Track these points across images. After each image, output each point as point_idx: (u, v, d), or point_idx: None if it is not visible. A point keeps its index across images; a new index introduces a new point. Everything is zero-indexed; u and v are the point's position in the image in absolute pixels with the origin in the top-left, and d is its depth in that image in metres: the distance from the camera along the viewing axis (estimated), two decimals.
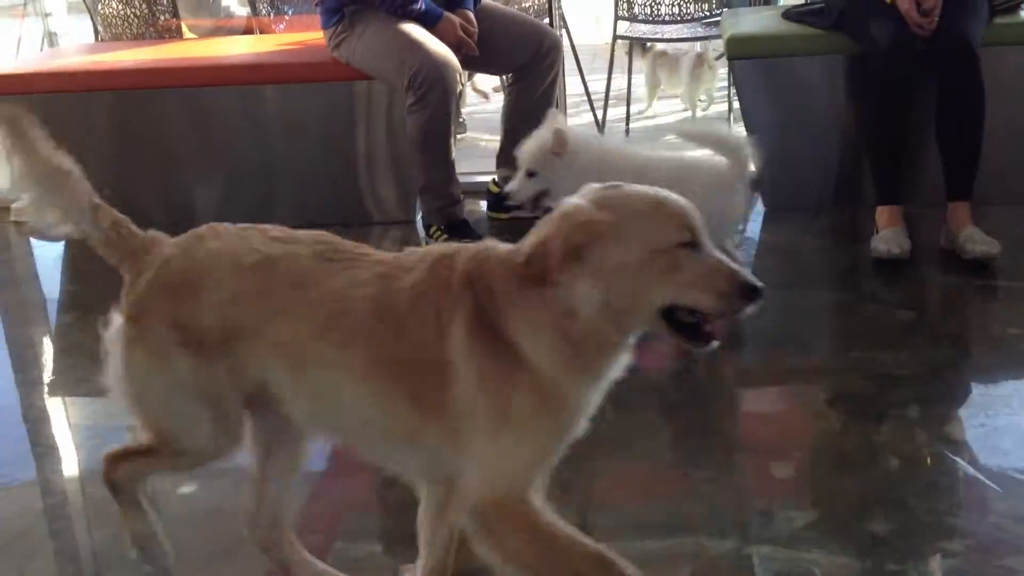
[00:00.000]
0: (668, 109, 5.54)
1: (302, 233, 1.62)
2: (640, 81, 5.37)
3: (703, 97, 5.46)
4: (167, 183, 3.89)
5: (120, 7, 4.69)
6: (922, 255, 3.22)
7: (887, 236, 3.19)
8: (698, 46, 5.24)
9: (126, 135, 3.89)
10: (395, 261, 1.55)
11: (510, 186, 2.94)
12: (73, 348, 3.08)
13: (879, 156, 3.34)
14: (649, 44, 5.33)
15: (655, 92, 5.44)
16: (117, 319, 1.64)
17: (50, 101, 3.84)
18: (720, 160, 2.82)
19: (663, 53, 5.27)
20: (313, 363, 1.52)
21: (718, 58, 5.40)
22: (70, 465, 2.47)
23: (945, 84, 3.20)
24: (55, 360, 3.05)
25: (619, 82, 5.12)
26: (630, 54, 5.29)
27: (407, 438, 1.52)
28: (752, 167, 2.89)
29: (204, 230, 1.63)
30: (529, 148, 2.88)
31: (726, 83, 4.56)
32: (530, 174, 2.88)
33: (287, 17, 4.81)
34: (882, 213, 3.27)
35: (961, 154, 3.23)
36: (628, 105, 5.13)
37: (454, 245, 1.56)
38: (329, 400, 1.55)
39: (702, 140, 2.93)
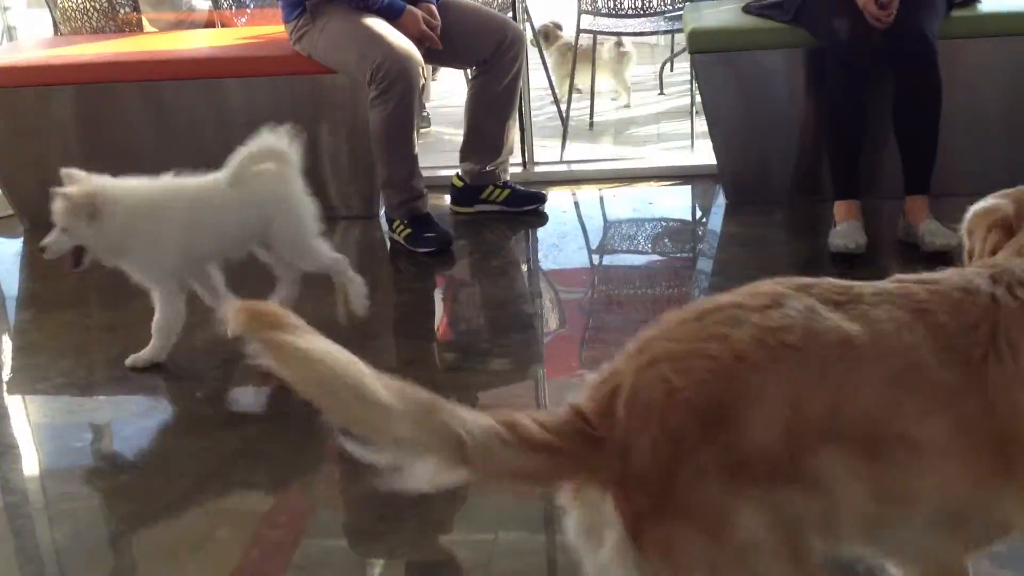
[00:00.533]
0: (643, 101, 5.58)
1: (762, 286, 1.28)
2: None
3: (617, 90, 5.48)
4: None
5: (80, 1, 4.65)
6: (882, 248, 3.25)
7: (843, 230, 3.22)
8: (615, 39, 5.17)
9: (86, 130, 3.85)
10: (921, 288, 1.27)
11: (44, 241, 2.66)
12: (31, 346, 3.06)
13: (836, 150, 3.37)
14: (552, 35, 5.33)
15: (564, 84, 5.17)
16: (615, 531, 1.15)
17: (10, 95, 3.82)
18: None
19: (569, 45, 5.15)
20: (885, 450, 1.18)
21: (679, 53, 5.43)
22: (30, 464, 2.45)
23: (902, 78, 3.23)
24: (13, 358, 3.02)
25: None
26: (538, 44, 5.19)
27: (962, 514, 1.25)
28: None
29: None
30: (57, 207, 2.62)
31: (689, 77, 4.58)
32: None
33: (249, 11, 4.78)
34: (839, 207, 3.29)
35: (919, 148, 3.26)
36: (592, 99, 5.15)
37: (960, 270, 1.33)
38: (899, 494, 1.20)
39: (256, 157, 2.78)
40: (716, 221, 3.65)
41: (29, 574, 2.05)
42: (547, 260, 3.53)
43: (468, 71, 4.27)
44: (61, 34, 4.72)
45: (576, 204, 3.97)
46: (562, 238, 3.62)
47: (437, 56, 3.70)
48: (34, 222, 3.76)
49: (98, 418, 2.66)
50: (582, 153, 4.67)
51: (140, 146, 3.84)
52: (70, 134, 3.86)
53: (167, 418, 2.63)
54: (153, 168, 2.76)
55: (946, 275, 1.30)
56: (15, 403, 2.73)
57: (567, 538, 1.19)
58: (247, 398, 2.72)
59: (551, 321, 3.10)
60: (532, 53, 4.31)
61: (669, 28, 4.90)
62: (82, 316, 3.22)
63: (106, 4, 4.65)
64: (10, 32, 5.09)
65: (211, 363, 2.77)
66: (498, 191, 3.82)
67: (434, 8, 3.57)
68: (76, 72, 3.87)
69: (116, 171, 2.49)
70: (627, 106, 5.49)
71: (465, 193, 3.82)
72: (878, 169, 3.47)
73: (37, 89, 3.84)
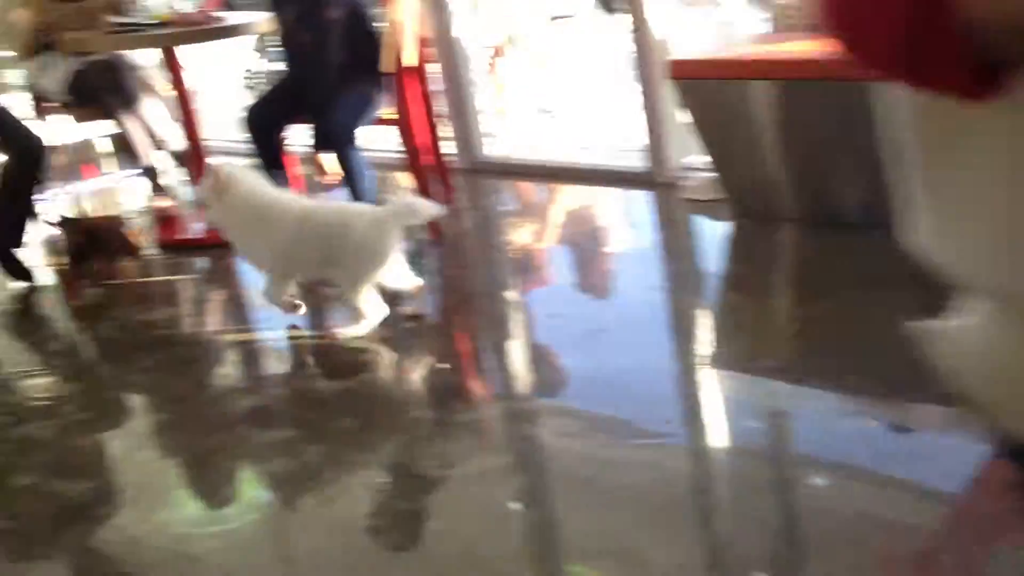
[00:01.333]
0: None
1: None
2: None
3: None
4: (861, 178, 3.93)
5: None
6: None
7: None
8: None
9: (785, 125, 4.01)
10: None
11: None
12: (735, 326, 3.29)
13: None
14: None
15: None
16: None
17: (722, 87, 4.11)
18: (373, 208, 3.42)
19: None
20: None
21: None
22: (714, 433, 2.69)
23: None
24: (716, 334, 3.29)
25: None
26: None
27: None
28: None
29: None
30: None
31: None
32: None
33: None
34: None
35: None
36: None
37: None
38: None
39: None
40: None
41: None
42: None
43: None
44: (776, 31, 4.96)
45: None
46: None
47: None
48: (739, 209, 4.05)
49: (794, 407, 2.79)
50: None
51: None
52: (771, 128, 4.05)
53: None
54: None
55: None
56: (711, 376, 2.99)
57: None
58: None
59: None
60: None
61: None
62: (789, 303, 3.42)
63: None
64: (728, 27, 5.46)
65: None
66: None
67: None
68: (771, 68, 4.04)
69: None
70: None
71: None
72: None
73: (745, 82, 4.08)
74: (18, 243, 4.11)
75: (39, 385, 3.42)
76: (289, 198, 3.45)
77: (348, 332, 3.27)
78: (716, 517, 2.35)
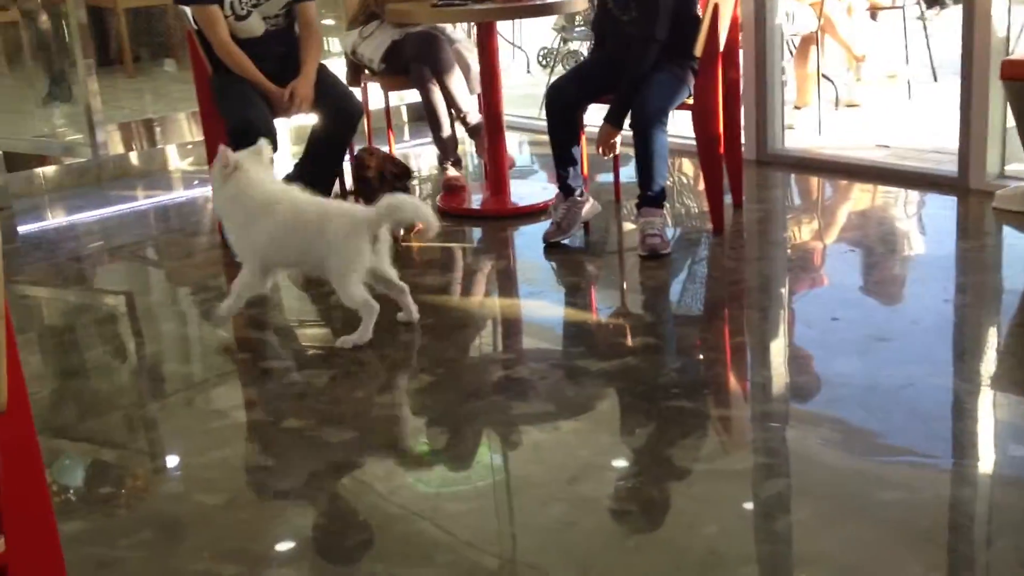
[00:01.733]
0: None
1: None
2: None
3: None
4: None
5: None
6: None
7: None
8: None
9: None
10: None
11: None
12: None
13: None
14: None
15: None
16: None
17: None
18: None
19: None
20: None
21: None
22: (987, 460, 2.48)
23: None
24: (1007, 355, 3.04)
25: None
26: None
27: None
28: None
29: None
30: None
31: None
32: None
33: None
34: None
35: None
36: None
37: None
38: None
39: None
40: None
41: None
42: None
43: None
44: None
45: None
46: None
47: None
48: None
49: None
50: None
51: None
52: None
53: None
54: None
55: None
56: (995, 402, 2.76)
57: None
58: None
59: None
60: None
61: None
62: None
63: None
64: None
65: None
66: None
67: None
68: None
69: None
70: None
71: None
72: None
73: None
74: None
75: (318, 335, 3.61)
76: (282, 191, 3.38)
77: (348, 341, 3.24)
78: (974, 549, 2.16)
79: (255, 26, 4.26)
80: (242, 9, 4.22)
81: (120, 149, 5.76)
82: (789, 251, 4.05)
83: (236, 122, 4.05)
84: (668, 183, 4.14)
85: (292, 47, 4.33)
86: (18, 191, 5.33)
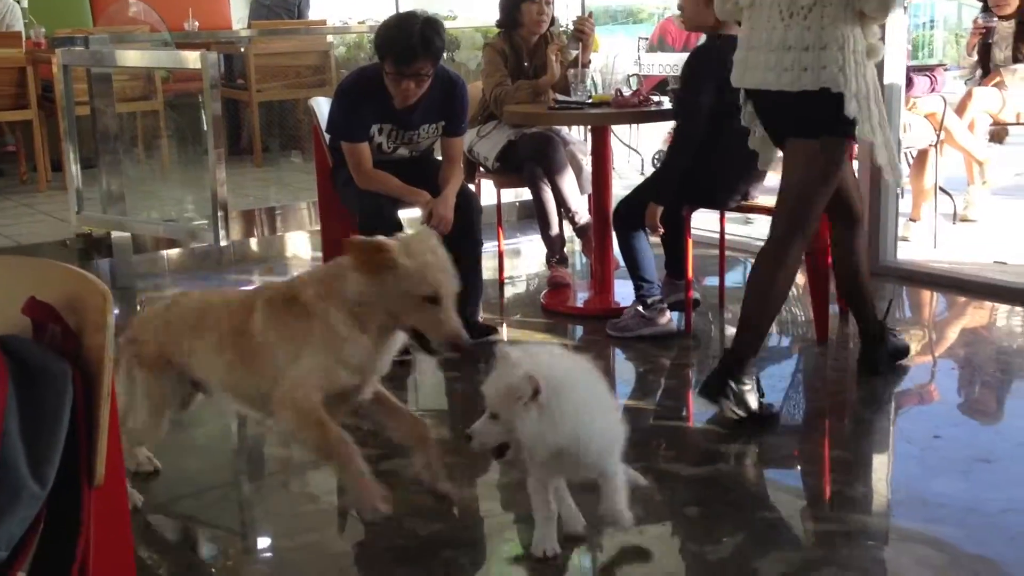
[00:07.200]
0: None
1: None
2: None
3: None
4: None
5: None
6: None
7: None
8: None
9: None
10: None
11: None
12: None
13: None
14: None
15: None
16: None
17: None
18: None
19: None
20: None
21: None
22: None
23: None
24: None
25: None
26: None
27: None
28: None
29: None
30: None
31: None
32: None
33: None
34: None
35: None
36: None
37: None
38: None
39: None
40: None
41: None
42: None
43: None
44: None
45: None
46: None
47: None
48: None
49: None
50: None
51: None
52: None
53: None
54: None
55: None
56: None
57: None
58: None
59: None
60: None
61: None
62: None
63: None
64: None
65: None
66: None
67: None
68: None
69: None
70: None
71: None
72: None
73: None
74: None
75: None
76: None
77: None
78: None
79: (397, 156, 4.31)
80: (390, 147, 4.26)
81: (242, 235, 5.97)
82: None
83: (367, 206, 4.06)
84: None
85: (421, 161, 4.36)
86: (143, 271, 5.57)
